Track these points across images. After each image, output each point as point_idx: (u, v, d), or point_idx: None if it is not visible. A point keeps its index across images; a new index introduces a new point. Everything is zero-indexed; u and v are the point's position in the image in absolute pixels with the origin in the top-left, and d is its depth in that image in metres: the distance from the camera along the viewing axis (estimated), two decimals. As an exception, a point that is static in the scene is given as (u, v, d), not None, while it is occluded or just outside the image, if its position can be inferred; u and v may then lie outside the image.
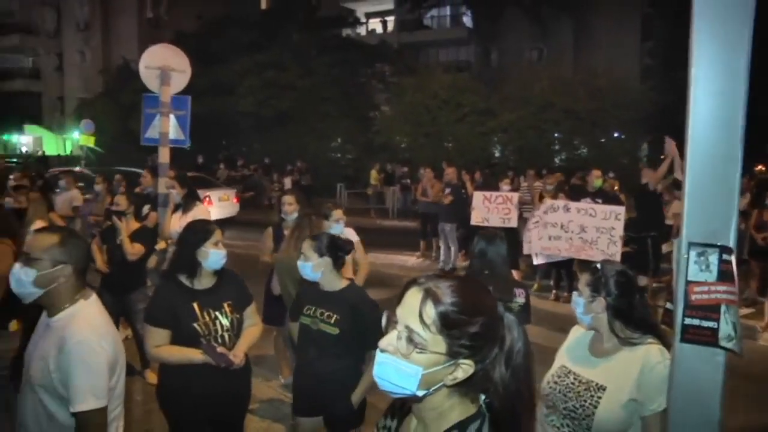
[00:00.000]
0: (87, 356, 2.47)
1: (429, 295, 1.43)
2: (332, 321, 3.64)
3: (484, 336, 1.44)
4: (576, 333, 2.93)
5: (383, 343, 1.47)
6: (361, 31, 37.11)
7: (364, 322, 3.62)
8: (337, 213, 5.44)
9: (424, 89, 23.39)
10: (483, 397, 1.53)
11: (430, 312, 1.41)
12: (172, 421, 3.60)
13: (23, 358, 4.96)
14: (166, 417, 3.64)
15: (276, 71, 25.77)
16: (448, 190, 11.80)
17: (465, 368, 1.44)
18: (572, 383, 2.69)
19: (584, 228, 8.22)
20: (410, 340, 1.42)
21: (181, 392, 3.45)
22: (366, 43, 30.94)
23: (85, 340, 2.48)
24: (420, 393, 1.44)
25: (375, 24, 39.15)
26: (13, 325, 4.70)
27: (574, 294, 2.80)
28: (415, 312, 1.43)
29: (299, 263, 3.81)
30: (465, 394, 1.50)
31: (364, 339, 3.58)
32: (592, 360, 2.73)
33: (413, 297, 1.45)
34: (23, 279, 2.54)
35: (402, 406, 1.73)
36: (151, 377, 6.09)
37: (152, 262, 6.29)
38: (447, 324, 1.41)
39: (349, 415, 3.68)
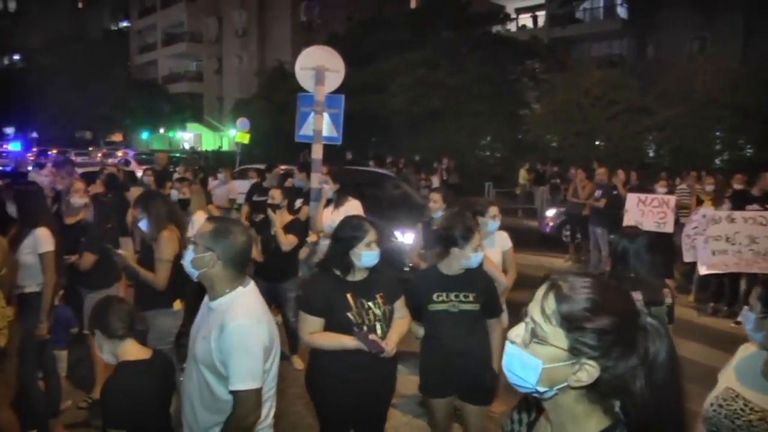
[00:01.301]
0: (245, 340, 2.62)
1: (552, 288, 1.42)
2: (471, 299, 3.89)
3: (611, 338, 1.38)
4: (745, 351, 2.66)
5: (512, 334, 1.48)
6: (512, 27, 36.40)
7: (492, 292, 4.07)
8: (493, 210, 5.29)
9: (575, 86, 22.54)
10: (617, 404, 1.47)
11: (551, 304, 1.41)
12: (318, 405, 3.76)
13: (185, 334, 5.35)
14: (313, 401, 3.82)
15: (427, 69, 25.81)
16: (599, 192, 11.31)
17: (589, 370, 1.38)
18: (741, 410, 2.43)
19: (755, 239, 7.53)
20: (533, 332, 1.42)
21: (329, 378, 3.59)
22: (516, 39, 30.30)
23: (243, 325, 2.64)
24: (541, 389, 1.42)
25: (525, 19, 38.29)
26: (177, 304, 5.03)
27: (745, 308, 2.55)
28: (538, 304, 1.43)
29: (478, 255, 3.93)
30: (596, 401, 1.45)
31: (489, 309, 4.01)
32: (766, 385, 2.45)
33: (540, 290, 1.46)
34: (186, 259, 2.77)
35: (529, 409, 1.71)
36: (298, 363, 6.32)
37: (303, 253, 6.50)
38: (567, 317, 1.38)
39: (495, 383, 4.00)
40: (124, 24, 58.97)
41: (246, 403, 2.64)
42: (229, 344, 2.60)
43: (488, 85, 26.32)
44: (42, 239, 4.75)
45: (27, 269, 4.76)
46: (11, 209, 4.91)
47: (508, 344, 1.48)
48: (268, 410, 2.87)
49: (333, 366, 3.56)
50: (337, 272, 3.60)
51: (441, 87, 25.51)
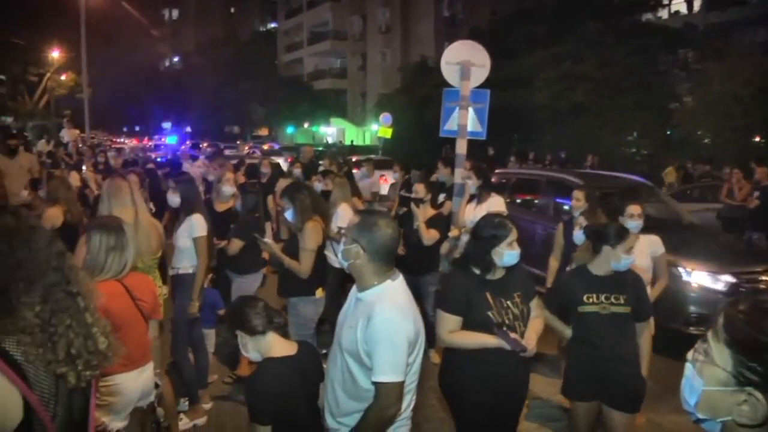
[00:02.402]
0: (391, 334, 2.64)
1: (728, 305, 1.29)
2: (622, 301, 3.82)
3: None
4: None
5: (690, 354, 1.37)
6: (663, 14, 34.20)
7: (642, 295, 3.99)
8: (632, 209, 5.02)
9: (734, 76, 20.73)
10: None
11: (720, 320, 1.27)
12: (453, 404, 3.74)
13: (325, 321, 5.48)
14: (447, 400, 3.79)
15: (572, 62, 24.84)
16: (756, 193, 10.44)
17: (754, 403, 1.19)
18: None
19: None
20: (704, 350, 1.30)
21: (464, 377, 3.55)
22: (668, 27, 28.38)
23: (390, 319, 2.65)
24: (701, 415, 1.28)
25: (679, 5, 35.74)
26: (319, 292, 5.19)
27: None
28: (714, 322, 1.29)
29: (628, 257, 3.86)
30: None
31: (639, 312, 3.89)
32: None
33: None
34: (338, 250, 2.89)
35: None
36: (435, 357, 6.30)
37: (444, 248, 6.48)
38: (734, 335, 1.23)
39: (644, 390, 3.87)
40: (272, 25, 61.81)
41: (387, 396, 2.66)
42: (374, 336, 2.63)
43: (636, 78, 24.96)
44: (197, 225, 5.08)
45: (182, 252, 5.12)
46: (172, 198, 5.26)
47: (686, 365, 1.37)
48: (409, 402, 2.88)
49: (469, 365, 3.52)
50: (476, 270, 3.54)
51: (586, 80, 24.46)
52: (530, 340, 3.47)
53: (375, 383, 2.66)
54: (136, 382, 3.56)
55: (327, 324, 6.15)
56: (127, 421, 3.57)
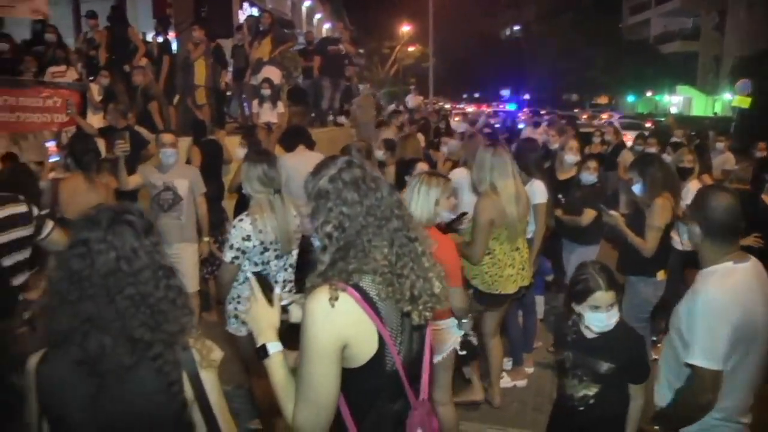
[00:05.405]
0: (709, 315, 2.52)
1: None
2: None
3: None
4: None
5: None
6: None
7: None
8: None
9: None
10: None
11: None
12: None
13: (661, 307, 5.16)
14: None
15: None
16: None
17: None
18: None
19: None
20: None
21: None
22: None
23: (712, 300, 2.54)
24: None
25: None
26: (661, 274, 4.86)
27: None
28: None
29: None
30: None
31: None
32: None
33: None
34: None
35: None
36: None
37: None
38: None
39: None
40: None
41: (700, 381, 2.57)
42: (693, 315, 2.56)
43: None
44: (538, 191, 5.20)
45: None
46: None
47: None
48: (739, 406, 2.66)
49: None
50: None
51: None
52: None
53: (687, 365, 2.59)
54: None
55: (662, 311, 5.60)
56: None
